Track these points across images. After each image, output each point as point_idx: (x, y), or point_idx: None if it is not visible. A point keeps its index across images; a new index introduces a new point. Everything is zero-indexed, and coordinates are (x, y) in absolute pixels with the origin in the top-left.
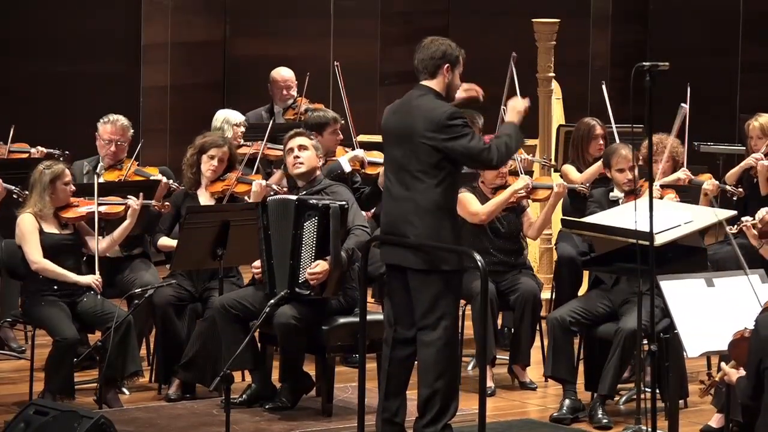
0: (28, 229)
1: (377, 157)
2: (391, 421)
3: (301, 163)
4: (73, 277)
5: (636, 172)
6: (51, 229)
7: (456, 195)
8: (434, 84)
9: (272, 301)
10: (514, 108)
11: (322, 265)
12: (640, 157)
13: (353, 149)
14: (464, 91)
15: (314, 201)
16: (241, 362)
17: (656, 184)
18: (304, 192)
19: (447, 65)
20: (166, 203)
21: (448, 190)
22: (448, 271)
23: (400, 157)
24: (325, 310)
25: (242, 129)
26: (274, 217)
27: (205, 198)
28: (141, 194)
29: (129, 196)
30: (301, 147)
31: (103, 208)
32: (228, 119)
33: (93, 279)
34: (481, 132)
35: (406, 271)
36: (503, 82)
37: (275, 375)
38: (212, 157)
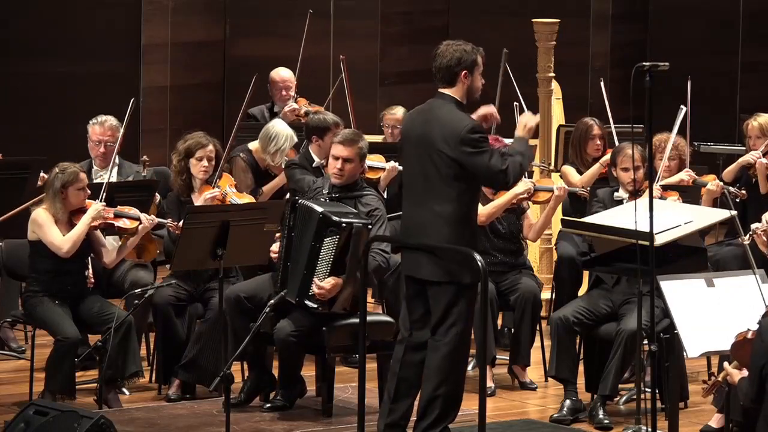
0: (45, 221)
1: (379, 161)
2: (397, 424)
3: (342, 176)
4: (84, 222)
5: (641, 172)
6: (63, 231)
7: (475, 205)
8: (454, 92)
9: (272, 301)
10: (526, 125)
11: (332, 283)
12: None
13: None
14: (480, 114)
15: (337, 218)
16: (242, 354)
17: (658, 185)
18: (337, 195)
19: (464, 72)
20: (180, 224)
21: (468, 201)
22: (463, 283)
23: (420, 166)
24: (325, 318)
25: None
26: (300, 221)
27: (199, 203)
28: (154, 217)
29: (142, 215)
30: (346, 160)
31: (118, 223)
32: (284, 150)
33: (97, 207)
34: None
35: (423, 281)
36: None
37: (275, 372)
38: (200, 159)
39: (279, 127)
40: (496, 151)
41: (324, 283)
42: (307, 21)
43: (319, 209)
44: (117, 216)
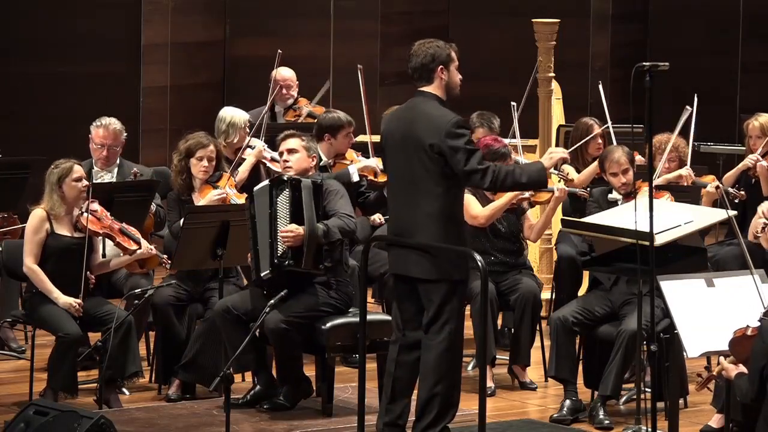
0: (33, 228)
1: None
2: (395, 424)
3: (290, 167)
4: (54, 293)
5: (630, 174)
6: (63, 230)
7: (461, 202)
8: (433, 89)
9: (272, 301)
10: (553, 156)
11: (294, 227)
12: (640, 158)
13: (366, 154)
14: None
15: (286, 177)
16: (244, 364)
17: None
18: None
19: (440, 67)
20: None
21: (454, 198)
22: (455, 280)
23: (406, 165)
24: (316, 304)
25: (247, 129)
26: (258, 204)
27: (199, 203)
28: (154, 247)
29: (143, 241)
30: (291, 150)
31: (119, 239)
32: (234, 123)
33: (72, 302)
34: (498, 133)
35: (413, 280)
36: (504, 82)
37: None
38: (201, 159)
39: (225, 110)
40: (478, 151)
41: (286, 227)
42: (277, 60)
43: (268, 180)
44: (122, 232)
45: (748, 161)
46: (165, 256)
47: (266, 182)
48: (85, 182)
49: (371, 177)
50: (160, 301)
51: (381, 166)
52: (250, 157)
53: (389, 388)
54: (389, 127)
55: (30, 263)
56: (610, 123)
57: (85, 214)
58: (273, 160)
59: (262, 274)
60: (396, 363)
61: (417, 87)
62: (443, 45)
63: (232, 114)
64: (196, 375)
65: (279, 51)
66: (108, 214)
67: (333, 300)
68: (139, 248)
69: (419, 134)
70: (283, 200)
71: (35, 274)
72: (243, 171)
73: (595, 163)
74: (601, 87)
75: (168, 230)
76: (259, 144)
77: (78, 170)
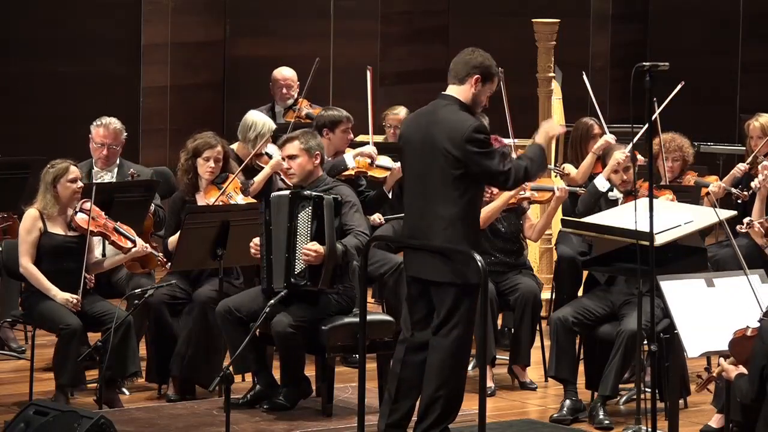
0: (26, 228)
1: (385, 160)
2: (397, 425)
3: (293, 174)
4: (53, 290)
5: (631, 172)
6: (56, 229)
7: (478, 206)
8: (460, 92)
9: (272, 301)
10: (547, 132)
11: (317, 246)
12: (641, 158)
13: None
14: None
15: (307, 192)
16: (244, 365)
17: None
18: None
19: (478, 76)
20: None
21: (471, 202)
22: (467, 283)
23: (423, 168)
24: (323, 310)
25: (270, 138)
26: (274, 213)
27: (203, 203)
28: (150, 245)
29: (138, 239)
30: (291, 157)
31: (114, 237)
32: (264, 134)
33: (69, 297)
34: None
35: (427, 282)
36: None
37: (276, 375)
38: (208, 159)
39: (255, 115)
40: (499, 152)
41: (309, 245)
42: (313, 68)
43: (287, 192)
44: (116, 231)
45: (736, 171)
46: (161, 254)
47: (286, 192)
48: (80, 183)
49: (370, 172)
50: (154, 300)
51: (380, 161)
52: (267, 168)
53: (394, 388)
54: (409, 130)
55: (25, 263)
56: (602, 118)
57: (80, 214)
58: None
59: (274, 287)
60: (402, 363)
61: (447, 85)
62: (494, 64)
63: (263, 122)
64: (186, 370)
65: (317, 59)
66: (102, 213)
67: (338, 304)
68: (135, 246)
69: (438, 137)
70: (305, 217)
71: (31, 274)
72: (258, 182)
73: (592, 154)
74: (585, 77)
75: (164, 233)
76: (277, 155)
77: (74, 171)
